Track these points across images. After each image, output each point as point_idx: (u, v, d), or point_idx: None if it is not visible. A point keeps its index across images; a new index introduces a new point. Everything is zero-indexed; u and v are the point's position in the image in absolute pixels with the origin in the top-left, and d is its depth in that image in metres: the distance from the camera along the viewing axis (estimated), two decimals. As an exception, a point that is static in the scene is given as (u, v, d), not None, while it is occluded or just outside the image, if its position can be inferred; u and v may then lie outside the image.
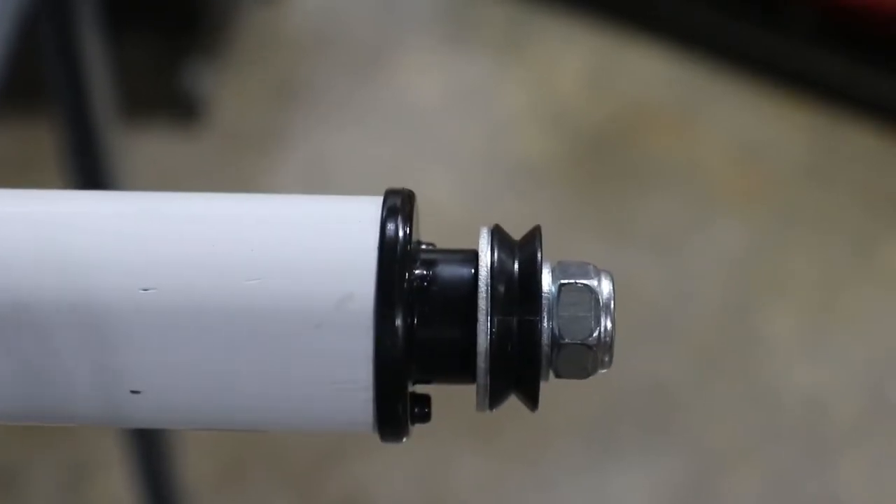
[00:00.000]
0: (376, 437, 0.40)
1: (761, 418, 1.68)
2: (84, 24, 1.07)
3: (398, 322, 0.38)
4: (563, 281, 0.39)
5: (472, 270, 0.39)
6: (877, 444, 1.67)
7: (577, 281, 0.39)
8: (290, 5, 2.21)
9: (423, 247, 0.41)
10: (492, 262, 0.39)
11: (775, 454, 1.65)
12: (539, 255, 0.39)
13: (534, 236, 0.40)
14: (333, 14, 2.21)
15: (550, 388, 0.41)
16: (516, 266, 0.39)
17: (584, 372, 0.40)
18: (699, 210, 1.90)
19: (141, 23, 2.00)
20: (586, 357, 0.39)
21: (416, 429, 0.40)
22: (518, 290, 0.39)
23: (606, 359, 0.40)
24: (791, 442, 1.66)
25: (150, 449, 1.31)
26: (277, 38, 2.18)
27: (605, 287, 0.40)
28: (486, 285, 0.39)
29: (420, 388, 0.41)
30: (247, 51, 2.13)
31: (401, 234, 0.39)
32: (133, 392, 0.39)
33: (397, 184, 0.41)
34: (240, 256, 0.39)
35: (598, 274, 0.40)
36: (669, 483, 1.62)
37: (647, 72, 2.09)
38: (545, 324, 0.39)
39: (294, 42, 2.18)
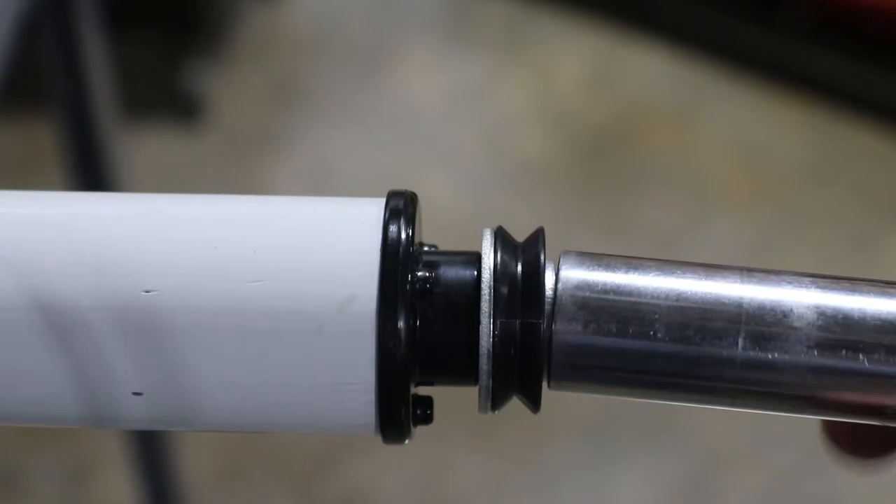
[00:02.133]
0: (378, 438, 0.40)
1: (761, 418, 1.67)
2: (84, 24, 1.06)
3: (401, 324, 0.38)
4: (565, 283, 0.39)
5: (475, 272, 0.39)
6: (877, 444, 1.66)
7: (580, 283, 0.39)
8: (290, 5, 2.21)
9: (426, 249, 0.41)
10: (495, 265, 0.39)
11: (775, 454, 1.65)
12: (542, 257, 0.39)
13: (537, 238, 0.40)
14: (333, 14, 2.21)
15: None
16: (519, 268, 0.39)
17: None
18: (699, 210, 1.90)
19: (141, 23, 2.00)
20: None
21: (417, 430, 0.40)
22: (521, 292, 0.39)
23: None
24: (791, 442, 1.66)
25: (150, 449, 1.31)
26: (277, 38, 2.18)
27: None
28: (489, 287, 0.38)
29: (422, 390, 0.41)
30: (247, 51, 2.13)
31: (403, 236, 0.39)
32: (135, 394, 0.39)
33: (397, 184, 0.41)
34: (242, 258, 0.39)
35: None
36: (669, 483, 1.62)
37: (647, 72, 2.09)
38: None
39: (294, 42, 2.18)
